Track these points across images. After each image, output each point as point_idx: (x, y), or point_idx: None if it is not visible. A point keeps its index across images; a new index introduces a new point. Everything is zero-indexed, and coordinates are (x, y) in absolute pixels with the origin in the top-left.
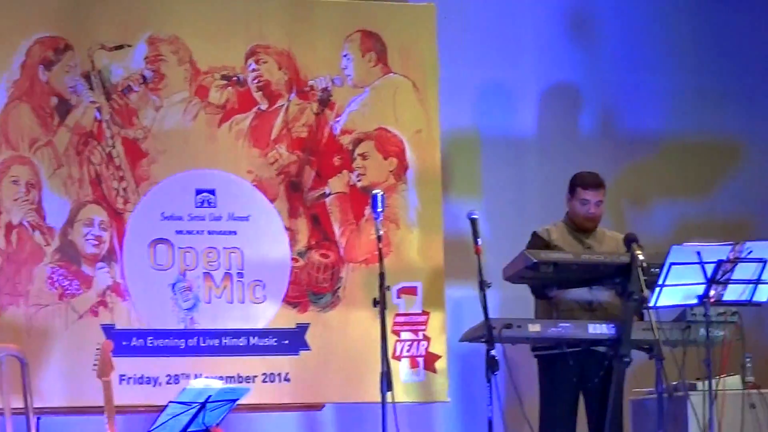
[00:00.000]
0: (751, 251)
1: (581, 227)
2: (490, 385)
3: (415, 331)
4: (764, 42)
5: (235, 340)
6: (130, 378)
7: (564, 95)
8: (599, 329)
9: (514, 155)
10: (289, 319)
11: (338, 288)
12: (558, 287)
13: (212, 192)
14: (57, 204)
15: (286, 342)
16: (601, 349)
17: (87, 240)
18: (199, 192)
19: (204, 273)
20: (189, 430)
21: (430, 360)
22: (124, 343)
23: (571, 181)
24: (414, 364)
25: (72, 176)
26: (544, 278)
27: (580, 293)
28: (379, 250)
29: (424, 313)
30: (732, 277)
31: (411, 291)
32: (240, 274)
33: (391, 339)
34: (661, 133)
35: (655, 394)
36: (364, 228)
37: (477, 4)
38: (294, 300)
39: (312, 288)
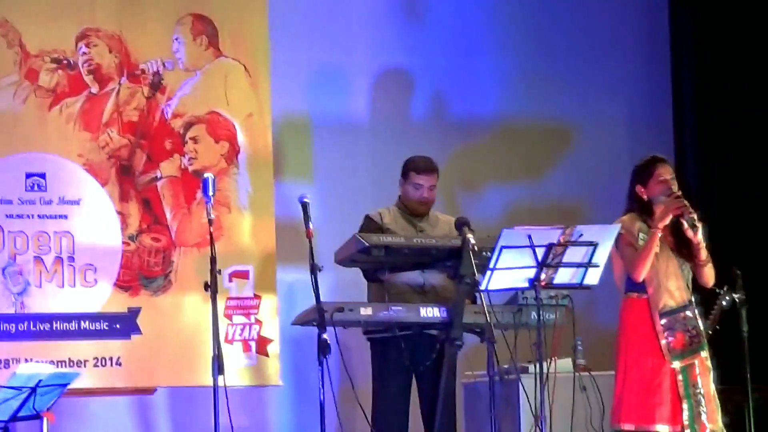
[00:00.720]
0: (581, 234)
1: (414, 211)
2: (322, 369)
3: (247, 315)
4: (592, 26)
5: (66, 324)
6: None
7: (396, 79)
8: (431, 312)
9: (346, 139)
10: (120, 303)
11: (170, 272)
12: (390, 270)
13: (42, 176)
14: None
15: (118, 326)
16: (433, 332)
17: None
18: (29, 176)
19: (35, 257)
20: (19, 414)
21: (262, 344)
22: None
23: (404, 165)
24: (246, 348)
25: None
26: (376, 262)
27: (412, 276)
28: (211, 233)
29: (256, 296)
30: (563, 261)
31: (243, 275)
32: (71, 258)
33: (223, 323)
34: (492, 117)
35: (487, 377)
36: (195, 212)
37: None
38: (125, 284)
39: (143, 272)
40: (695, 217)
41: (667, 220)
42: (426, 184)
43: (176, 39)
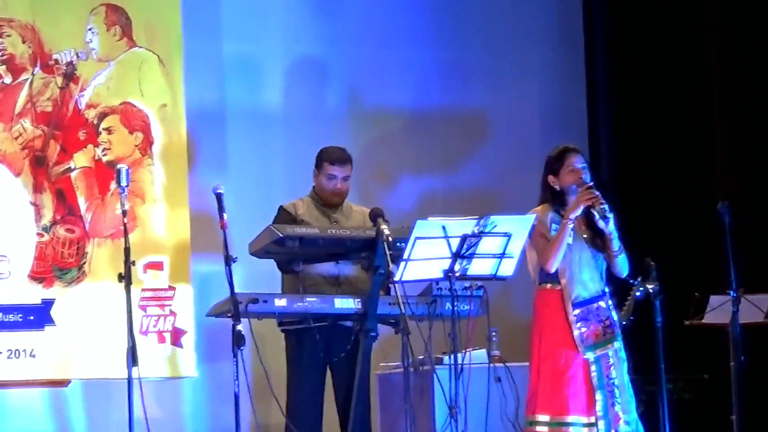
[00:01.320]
0: (495, 225)
1: (328, 202)
2: (236, 360)
3: (162, 306)
4: (506, 16)
5: None
6: None
7: (310, 70)
8: (346, 304)
9: (260, 130)
10: (34, 295)
11: (84, 263)
12: (304, 262)
13: None
14: None
15: (32, 318)
16: (348, 323)
17: None
18: None
19: None
20: None
21: (176, 335)
22: None
23: (317, 155)
24: (161, 339)
25: None
26: (290, 253)
27: (327, 268)
28: (125, 224)
29: (171, 288)
30: (477, 252)
31: (157, 266)
32: None
33: (138, 314)
34: (406, 108)
35: (402, 369)
36: (109, 203)
37: None
38: (39, 275)
39: (57, 263)
40: (606, 208)
41: (579, 211)
42: (340, 175)
43: (90, 29)
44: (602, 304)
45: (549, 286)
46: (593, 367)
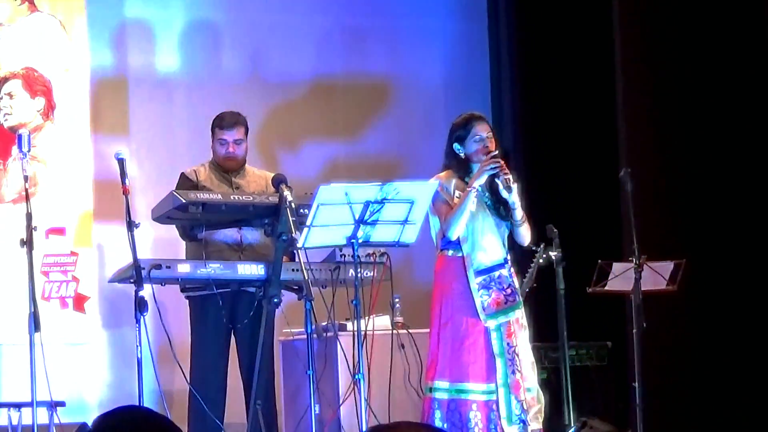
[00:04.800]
0: (398, 191)
1: (224, 167)
2: (139, 326)
3: (64, 272)
4: None
5: None
6: None
7: (211, 35)
8: (249, 270)
9: (162, 95)
10: None
11: None
12: (206, 228)
13: None
14: None
15: None
16: (251, 289)
17: None
18: None
19: None
20: None
21: (79, 301)
22: None
23: (212, 122)
24: (63, 305)
25: None
26: (193, 219)
27: (229, 234)
28: (26, 190)
29: (73, 253)
30: (380, 218)
31: (59, 231)
32: None
33: (40, 280)
34: (309, 75)
35: (305, 335)
36: (11, 168)
37: None
38: None
39: None
40: (510, 178)
41: (483, 180)
42: (230, 139)
43: None
44: (504, 272)
45: (451, 252)
46: (494, 335)
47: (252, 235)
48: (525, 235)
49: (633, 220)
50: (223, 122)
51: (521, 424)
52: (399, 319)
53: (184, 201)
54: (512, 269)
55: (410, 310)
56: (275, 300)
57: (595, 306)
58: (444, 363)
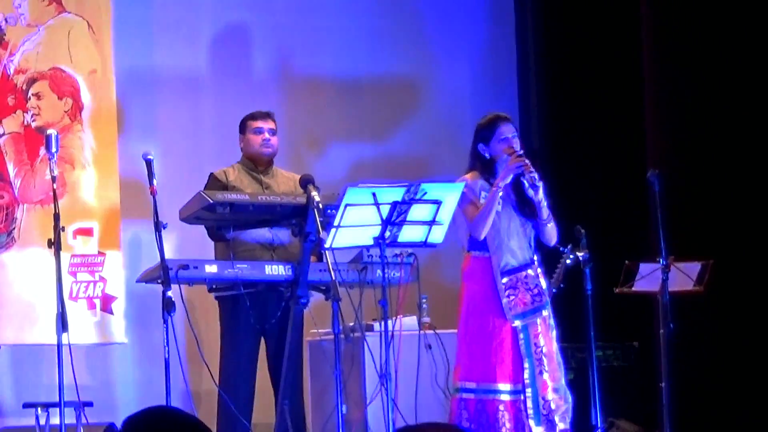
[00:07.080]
0: (425, 192)
1: (258, 161)
2: (167, 326)
3: (92, 272)
4: None
5: None
6: None
7: (240, 36)
8: (276, 270)
9: (190, 96)
10: None
11: (13, 229)
12: (234, 228)
13: None
14: None
15: None
16: (281, 288)
17: None
18: None
19: None
20: None
21: (106, 301)
22: None
23: (240, 122)
24: (91, 306)
25: None
26: (221, 219)
27: (261, 233)
28: (54, 190)
29: (101, 254)
30: (407, 219)
31: (87, 232)
32: None
33: (67, 280)
34: (336, 75)
35: (332, 335)
36: (39, 169)
37: None
38: None
39: None
40: (536, 176)
41: (509, 179)
42: (266, 127)
43: None
44: (531, 272)
45: (478, 253)
46: (521, 335)
47: (284, 234)
48: (551, 234)
49: (661, 220)
50: (255, 114)
51: (548, 424)
52: (426, 319)
53: (211, 201)
54: (539, 270)
55: (438, 311)
56: (302, 301)
57: (622, 306)
58: (471, 364)
